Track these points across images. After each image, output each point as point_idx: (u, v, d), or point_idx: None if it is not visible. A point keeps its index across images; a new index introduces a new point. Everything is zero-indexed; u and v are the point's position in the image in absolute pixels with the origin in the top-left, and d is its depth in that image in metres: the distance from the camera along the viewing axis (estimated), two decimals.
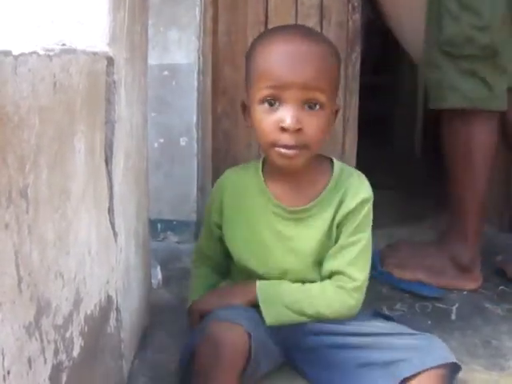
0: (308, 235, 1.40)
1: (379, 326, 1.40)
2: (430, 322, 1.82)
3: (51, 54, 0.84)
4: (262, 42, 1.34)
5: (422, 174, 4.63)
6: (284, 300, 1.39)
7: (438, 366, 1.24)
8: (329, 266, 1.41)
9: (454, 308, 1.93)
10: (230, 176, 1.50)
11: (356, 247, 1.40)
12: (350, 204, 1.38)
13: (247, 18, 2.48)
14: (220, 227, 1.50)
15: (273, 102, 1.29)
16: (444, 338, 1.65)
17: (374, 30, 5.27)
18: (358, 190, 1.40)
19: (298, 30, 1.37)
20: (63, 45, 1.05)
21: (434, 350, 1.28)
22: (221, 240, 1.51)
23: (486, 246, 2.64)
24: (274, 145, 1.30)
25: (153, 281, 1.82)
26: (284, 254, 1.42)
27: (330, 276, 1.41)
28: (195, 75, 2.37)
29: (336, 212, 1.39)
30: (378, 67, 5.45)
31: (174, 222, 2.43)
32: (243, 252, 1.46)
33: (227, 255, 1.52)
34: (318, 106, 1.29)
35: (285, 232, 1.42)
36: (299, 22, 2.45)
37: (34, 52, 0.79)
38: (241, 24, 2.49)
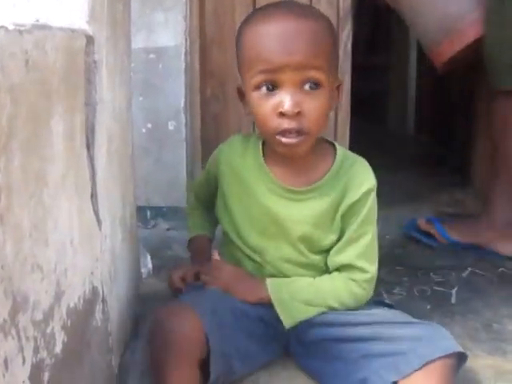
0: (302, 218, 1.35)
1: (381, 315, 1.35)
2: (429, 307, 1.78)
3: (22, 28, 0.78)
4: (250, 24, 1.27)
5: (415, 153, 4.62)
6: (298, 298, 1.34)
7: (444, 357, 1.19)
8: (338, 259, 1.36)
9: (454, 291, 1.89)
10: (231, 145, 1.45)
11: (364, 239, 1.35)
12: (354, 195, 1.33)
13: None
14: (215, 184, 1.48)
15: (269, 86, 1.22)
16: (445, 322, 1.62)
17: (365, 10, 5.26)
18: (363, 179, 1.34)
19: (286, 7, 1.29)
20: (37, 21, 0.99)
21: (439, 339, 1.23)
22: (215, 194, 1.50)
23: None
24: (275, 133, 1.23)
25: (143, 270, 1.77)
26: (279, 230, 1.37)
27: (340, 269, 1.37)
28: (182, 57, 2.31)
29: (340, 201, 1.34)
30: (369, 47, 5.41)
31: (164, 209, 2.39)
32: (236, 225, 1.41)
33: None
34: (316, 86, 1.22)
35: (277, 210, 1.36)
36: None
37: (2, 26, 0.73)
38: (228, 4, 2.43)
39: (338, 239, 1.37)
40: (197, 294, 1.32)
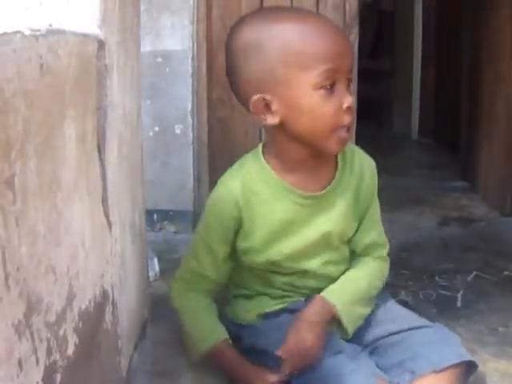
0: (328, 215, 1.35)
1: (405, 320, 1.36)
2: (435, 310, 1.79)
3: (37, 33, 0.79)
4: (290, 23, 1.22)
5: (420, 157, 4.62)
6: (356, 302, 1.36)
7: (455, 364, 1.20)
8: (365, 240, 1.42)
9: (459, 295, 1.90)
10: (237, 184, 1.35)
11: (377, 214, 1.44)
12: (369, 179, 1.39)
13: (241, 2, 2.43)
14: (230, 242, 1.38)
15: (331, 84, 1.21)
16: (450, 325, 1.62)
17: (370, 14, 5.27)
18: (368, 161, 1.41)
19: (303, 9, 1.33)
20: (50, 25, 1.00)
21: (453, 346, 1.24)
22: (225, 258, 1.40)
23: (487, 230, 2.62)
24: (336, 129, 1.23)
25: (150, 273, 1.78)
26: (311, 239, 1.35)
27: (366, 249, 1.43)
28: (189, 61, 2.32)
29: (359, 189, 1.38)
30: (374, 52, 5.42)
31: (171, 212, 2.39)
32: (267, 251, 1.36)
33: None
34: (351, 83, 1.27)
35: (309, 219, 1.35)
36: (294, 5, 2.40)
37: (19, 31, 0.74)
38: (235, 8, 2.43)
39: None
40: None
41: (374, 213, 1.43)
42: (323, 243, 1.37)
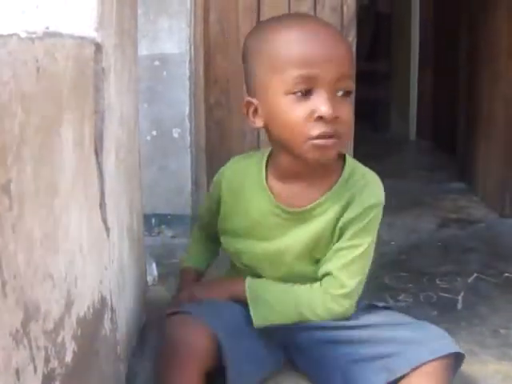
0: (303, 234, 1.32)
1: (370, 318, 1.33)
2: (435, 313, 1.79)
3: (34, 36, 0.78)
4: (281, 28, 1.22)
5: (418, 159, 4.62)
6: (272, 299, 1.33)
7: (437, 359, 1.17)
8: (323, 268, 1.32)
9: (460, 297, 1.89)
10: (232, 167, 1.43)
11: (353, 252, 1.30)
12: (355, 209, 1.28)
13: (239, 4, 2.43)
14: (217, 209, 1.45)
15: (303, 90, 1.18)
16: (451, 328, 1.61)
17: (367, 17, 5.27)
18: (368, 194, 1.30)
19: (311, 16, 1.31)
20: (47, 28, 0.99)
21: (431, 341, 1.21)
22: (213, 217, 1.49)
23: (486, 231, 2.62)
24: (309, 138, 1.18)
25: (148, 278, 1.76)
26: (277, 249, 1.35)
27: (321, 279, 1.33)
28: (187, 65, 2.31)
29: (340, 215, 1.29)
30: (371, 54, 5.42)
31: (169, 217, 2.38)
32: (236, 243, 1.40)
33: None
34: (347, 93, 1.21)
35: (280, 230, 1.34)
36: (292, 8, 2.40)
37: (15, 34, 0.72)
38: (232, 11, 2.43)
39: None
40: (201, 304, 1.33)
41: (346, 246, 1.30)
42: (287, 254, 1.35)
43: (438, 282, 2.02)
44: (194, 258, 1.59)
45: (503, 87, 2.89)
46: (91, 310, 1.00)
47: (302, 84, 1.17)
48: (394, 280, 1.99)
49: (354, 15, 2.41)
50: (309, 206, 1.30)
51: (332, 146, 1.20)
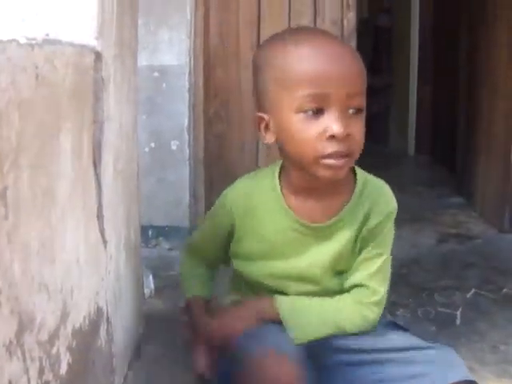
0: (328, 249, 1.31)
1: (395, 339, 1.32)
2: (434, 328, 1.77)
3: (33, 43, 0.77)
4: (289, 44, 1.20)
5: (416, 173, 4.62)
6: (307, 316, 1.31)
7: (459, 382, 1.17)
8: (351, 279, 1.33)
9: (459, 313, 1.88)
10: (241, 189, 1.36)
11: (378, 260, 1.31)
12: (375, 219, 1.29)
13: (239, 18, 2.42)
14: (222, 239, 1.40)
15: (315, 109, 1.16)
16: (450, 344, 1.59)
17: (366, 31, 5.28)
18: (385, 203, 1.31)
19: (321, 31, 1.28)
20: (47, 35, 0.98)
21: (455, 365, 1.21)
22: (221, 246, 1.42)
23: (485, 247, 2.61)
24: (321, 157, 1.17)
25: (145, 290, 1.75)
26: (299, 266, 1.33)
27: (351, 289, 1.33)
28: (186, 76, 2.31)
29: (361, 227, 1.30)
30: (370, 68, 5.42)
31: (166, 228, 2.37)
32: (255, 265, 1.36)
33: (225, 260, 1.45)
34: (358, 110, 1.19)
35: (302, 248, 1.32)
36: (292, 21, 2.40)
37: (14, 40, 0.72)
38: (233, 24, 2.43)
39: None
40: (259, 336, 1.27)
41: (368, 257, 1.31)
42: (311, 272, 1.33)
43: (436, 297, 2.01)
44: (198, 286, 1.49)
45: (503, 102, 2.89)
46: (87, 322, 0.99)
47: (314, 103, 1.15)
48: (393, 295, 1.97)
49: (354, 28, 2.41)
50: (330, 222, 1.30)
51: (343, 166, 1.18)
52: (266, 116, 1.23)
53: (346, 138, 1.15)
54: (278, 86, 1.19)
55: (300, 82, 1.16)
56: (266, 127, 1.24)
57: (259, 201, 1.33)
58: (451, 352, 1.26)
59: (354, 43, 2.44)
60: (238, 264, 1.39)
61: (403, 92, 5.25)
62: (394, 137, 5.47)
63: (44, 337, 0.80)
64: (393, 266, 2.17)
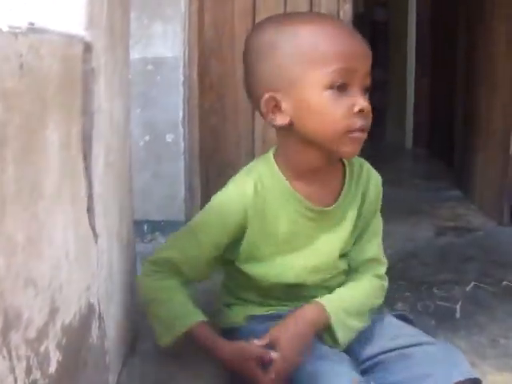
0: (339, 234, 1.33)
1: (406, 337, 1.30)
2: (433, 322, 1.75)
3: (17, 31, 0.75)
4: (307, 22, 1.22)
5: (414, 167, 4.60)
6: (350, 316, 1.30)
7: (461, 382, 1.16)
8: (364, 255, 1.38)
9: (458, 306, 1.86)
10: (249, 189, 1.28)
11: (379, 232, 1.39)
12: (373, 194, 1.36)
13: (234, 9, 2.40)
14: (221, 247, 1.32)
15: (340, 85, 1.17)
16: (449, 338, 1.59)
17: (363, 26, 5.25)
18: (374, 175, 1.37)
19: (315, 13, 1.32)
20: (32, 24, 0.95)
21: (459, 363, 1.21)
22: (210, 260, 1.33)
23: (484, 240, 2.59)
24: (348, 130, 1.18)
25: None
26: (316, 255, 1.33)
27: (361, 265, 1.38)
28: (181, 69, 2.29)
29: (362, 204, 1.35)
30: None
31: (162, 223, 2.35)
32: (269, 262, 1.33)
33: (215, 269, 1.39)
34: (367, 90, 1.22)
35: (315, 236, 1.33)
36: (288, 12, 2.37)
37: None
38: (228, 15, 2.40)
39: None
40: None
41: (375, 229, 1.38)
42: (327, 260, 1.35)
43: (435, 290, 1.99)
44: (194, 309, 1.30)
45: (501, 96, 2.87)
46: (77, 318, 0.96)
47: (342, 78, 1.17)
48: (391, 289, 1.94)
49: (350, 20, 2.39)
50: (336, 204, 1.31)
51: (364, 139, 1.22)
52: (278, 95, 1.21)
53: (368, 113, 1.19)
54: (301, 63, 1.18)
55: (330, 58, 1.16)
56: (276, 108, 1.22)
57: (268, 194, 1.30)
58: (453, 349, 1.26)
59: None
60: (247, 267, 1.34)
61: (401, 86, 5.24)
62: (392, 130, 5.45)
63: (32, 334, 0.78)
64: (391, 260, 2.16)
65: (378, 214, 1.39)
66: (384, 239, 1.97)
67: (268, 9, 2.36)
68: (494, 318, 1.78)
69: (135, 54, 2.16)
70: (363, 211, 1.35)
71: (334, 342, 1.28)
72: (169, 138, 2.30)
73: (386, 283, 1.40)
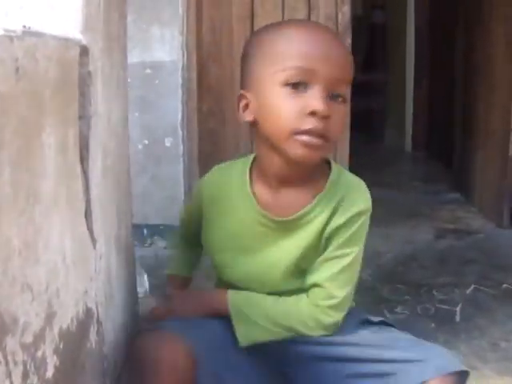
0: (292, 245, 1.27)
1: (369, 336, 1.27)
2: (433, 325, 1.75)
3: (12, 35, 0.74)
4: (279, 27, 1.23)
5: (413, 169, 4.60)
6: (257, 315, 1.27)
7: (441, 376, 1.13)
8: (310, 279, 1.27)
9: (458, 309, 1.86)
10: (214, 175, 1.38)
11: (341, 261, 1.24)
12: (341, 218, 1.23)
13: (232, 13, 2.40)
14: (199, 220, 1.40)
15: (298, 85, 1.15)
16: (450, 341, 1.58)
17: (362, 28, 5.25)
18: (354, 202, 1.25)
19: (313, 21, 1.32)
20: (29, 28, 0.95)
21: (433, 358, 1.16)
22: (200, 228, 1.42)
23: (485, 242, 2.59)
24: (296, 132, 1.15)
25: (139, 289, 1.72)
26: (263, 263, 1.29)
27: (308, 290, 1.28)
28: (179, 73, 2.28)
29: (326, 224, 1.24)
30: (367, 65, 5.40)
31: (161, 227, 2.35)
32: (220, 257, 1.34)
33: None
34: (340, 99, 1.18)
35: (267, 241, 1.29)
36: (286, 16, 2.38)
37: None
38: (226, 19, 2.40)
39: None
40: (178, 319, 1.28)
41: (333, 256, 1.25)
42: (270, 270, 1.29)
43: (435, 293, 1.99)
44: (178, 265, 1.55)
45: (500, 97, 2.87)
46: (75, 322, 0.96)
47: (300, 76, 1.15)
48: (391, 292, 1.95)
49: (348, 23, 2.39)
50: (296, 215, 1.25)
51: (317, 147, 1.16)
52: (248, 94, 1.23)
53: (325, 118, 1.14)
54: (264, 63, 1.19)
55: (288, 56, 1.16)
56: (246, 106, 1.23)
57: (230, 190, 1.31)
58: (433, 347, 1.22)
59: (349, 38, 2.41)
60: (208, 253, 1.40)
61: (399, 89, 5.23)
62: (391, 133, 5.44)
63: (28, 339, 0.77)
64: (390, 263, 2.16)
65: (345, 245, 1.24)
66: (383, 242, 1.97)
67: (266, 13, 2.36)
68: (494, 321, 1.77)
69: (133, 58, 2.15)
70: (327, 232, 1.24)
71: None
72: (168, 141, 2.30)
73: (324, 317, 1.25)
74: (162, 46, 2.25)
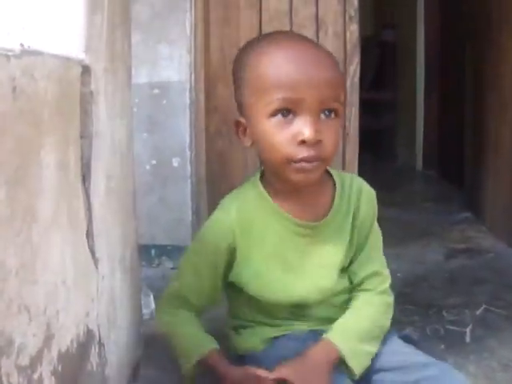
0: (334, 245, 1.31)
1: (407, 358, 1.29)
2: (443, 346, 1.72)
3: (10, 54, 0.74)
4: (261, 47, 1.22)
5: (424, 189, 4.58)
6: (361, 344, 1.28)
7: None
8: (366, 270, 1.34)
9: (468, 330, 1.83)
10: (232, 207, 1.32)
11: (378, 243, 1.37)
12: (366, 208, 1.33)
13: (240, 32, 2.40)
14: (220, 270, 1.33)
15: (286, 113, 1.17)
16: (459, 362, 1.56)
17: (372, 46, 5.26)
18: (366, 189, 1.35)
19: (297, 35, 1.31)
20: (28, 47, 0.94)
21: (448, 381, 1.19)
22: (212, 285, 1.35)
23: (495, 262, 2.56)
24: (291, 160, 1.18)
25: (145, 311, 1.71)
26: (313, 272, 1.31)
27: (366, 280, 1.34)
28: (187, 93, 2.28)
29: (354, 218, 1.32)
30: (377, 83, 5.40)
31: (169, 247, 2.33)
32: (264, 282, 1.31)
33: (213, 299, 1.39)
34: (333, 115, 1.20)
35: (309, 251, 1.31)
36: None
37: None
38: (233, 38, 2.40)
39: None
40: None
41: (374, 243, 1.36)
42: (326, 274, 1.32)
43: (445, 314, 1.96)
44: (205, 340, 1.32)
45: (510, 115, 2.85)
46: (75, 344, 0.95)
47: (285, 107, 1.17)
48: (400, 313, 1.93)
49: (357, 41, 2.38)
50: (326, 217, 1.30)
51: (314, 170, 1.20)
52: (243, 120, 1.26)
53: (317, 143, 1.16)
54: (252, 92, 1.22)
55: (272, 87, 1.17)
56: (244, 131, 1.26)
57: (254, 213, 1.31)
58: (446, 367, 1.25)
59: (357, 57, 2.40)
60: (249, 289, 1.33)
61: (410, 107, 5.22)
62: (402, 152, 5.43)
63: (24, 361, 0.76)
64: (400, 284, 2.14)
65: (375, 228, 1.36)
66: (394, 262, 1.95)
67: (274, 30, 2.35)
68: (504, 342, 1.74)
69: (141, 78, 2.16)
70: (357, 226, 1.32)
71: (350, 371, 1.25)
72: (175, 161, 2.29)
73: (390, 298, 1.36)
74: (170, 65, 2.26)
